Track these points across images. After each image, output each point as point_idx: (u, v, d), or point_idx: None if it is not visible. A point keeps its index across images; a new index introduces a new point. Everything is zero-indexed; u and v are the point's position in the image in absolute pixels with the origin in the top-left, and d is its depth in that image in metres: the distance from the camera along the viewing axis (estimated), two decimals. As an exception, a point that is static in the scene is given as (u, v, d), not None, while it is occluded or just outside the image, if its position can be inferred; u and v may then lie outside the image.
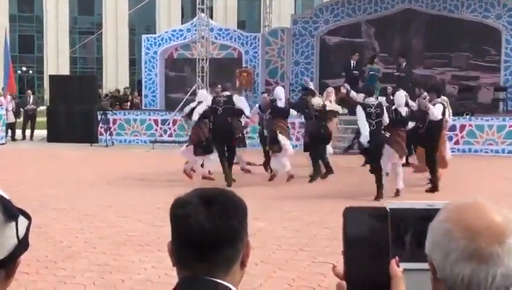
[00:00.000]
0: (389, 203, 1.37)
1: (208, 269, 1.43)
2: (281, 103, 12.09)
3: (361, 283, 1.21)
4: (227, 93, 12.12)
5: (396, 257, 1.24)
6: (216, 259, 1.43)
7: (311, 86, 15.96)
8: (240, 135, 11.85)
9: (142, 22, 50.22)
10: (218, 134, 11.56)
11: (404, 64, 19.36)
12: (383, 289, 1.21)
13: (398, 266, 1.23)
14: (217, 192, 1.48)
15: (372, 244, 1.21)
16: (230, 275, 1.46)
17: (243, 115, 12.05)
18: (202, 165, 11.97)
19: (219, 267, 1.43)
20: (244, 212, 1.47)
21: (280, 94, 12.25)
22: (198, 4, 20.42)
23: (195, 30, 21.07)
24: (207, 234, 1.41)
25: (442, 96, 11.48)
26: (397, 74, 19.23)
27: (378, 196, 10.01)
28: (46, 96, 32.64)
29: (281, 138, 11.60)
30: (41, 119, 22.46)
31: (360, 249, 1.21)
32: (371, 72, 19.77)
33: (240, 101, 12.01)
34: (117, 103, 23.41)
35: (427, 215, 1.28)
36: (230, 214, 1.43)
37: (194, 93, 15.35)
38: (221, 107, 11.56)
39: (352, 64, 20.03)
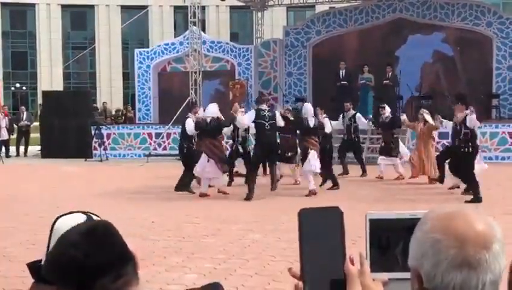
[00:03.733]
0: (370, 213, 1.40)
1: (127, 283, 1.54)
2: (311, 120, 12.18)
3: (317, 283, 1.23)
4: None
5: (352, 256, 1.25)
6: (129, 271, 1.55)
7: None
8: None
9: (134, 36, 50.28)
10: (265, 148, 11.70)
11: (391, 73, 19.50)
12: (339, 287, 1.23)
13: (353, 264, 1.25)
14: (90, 223, 1.63)
15: (326, 243, 1.23)
16: (140, 283, 1.58)
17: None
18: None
19: (132, 277, 1.56)
20: (117, 230, 1.62)
21: (311, 111, 12.32)
22: (190, 17, 20.50)
23: (188, 43, 21.14)
24: (113, 254, 1.54)
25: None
26: (385, 82, 19.37)
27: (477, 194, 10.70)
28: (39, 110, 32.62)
29: (312, 154, 11.76)
30: (36, 135, 22.43)
31: (315, 249, 1.23)
32: (361, 82, 19.88)
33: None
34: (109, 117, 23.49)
35: (412, 225, 1.30)
36: (114, 233, 1.59)
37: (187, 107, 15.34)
38: (267, 122, 11.65)
39: (341, 74, 20.14)
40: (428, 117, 13.12)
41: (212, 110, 11.97)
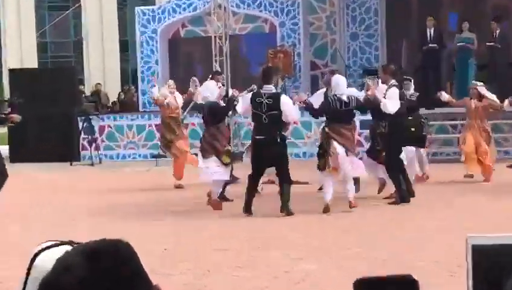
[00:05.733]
0: (472, 237, 1.39)
1: None
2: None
3: None
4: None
5: None
6: None
7: None
8: None
9: (135, -11, 50.77)
10: None
11: (498, 31, 19.25)
12: None
13: None
14: (94, 243, 1.69)
15: None
16: None
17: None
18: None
19: None
20: (135, 253, 1.66)
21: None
22: (212, -40, 20.59)
23: (209, -3, 21.24)
24: (118, 284, 1.56)
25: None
26: (490, 43, 19.17)
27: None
28: (7, 97, 33.19)
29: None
30: (3, 130, 22.74)
31: None
32: (459, 44, 19.65)
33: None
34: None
35: None
36: (125, 257, 1.63)
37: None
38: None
39: (428, 34, 19.93)
40: (486, 91, 14.06)
41: (344, 86, 12.00)
